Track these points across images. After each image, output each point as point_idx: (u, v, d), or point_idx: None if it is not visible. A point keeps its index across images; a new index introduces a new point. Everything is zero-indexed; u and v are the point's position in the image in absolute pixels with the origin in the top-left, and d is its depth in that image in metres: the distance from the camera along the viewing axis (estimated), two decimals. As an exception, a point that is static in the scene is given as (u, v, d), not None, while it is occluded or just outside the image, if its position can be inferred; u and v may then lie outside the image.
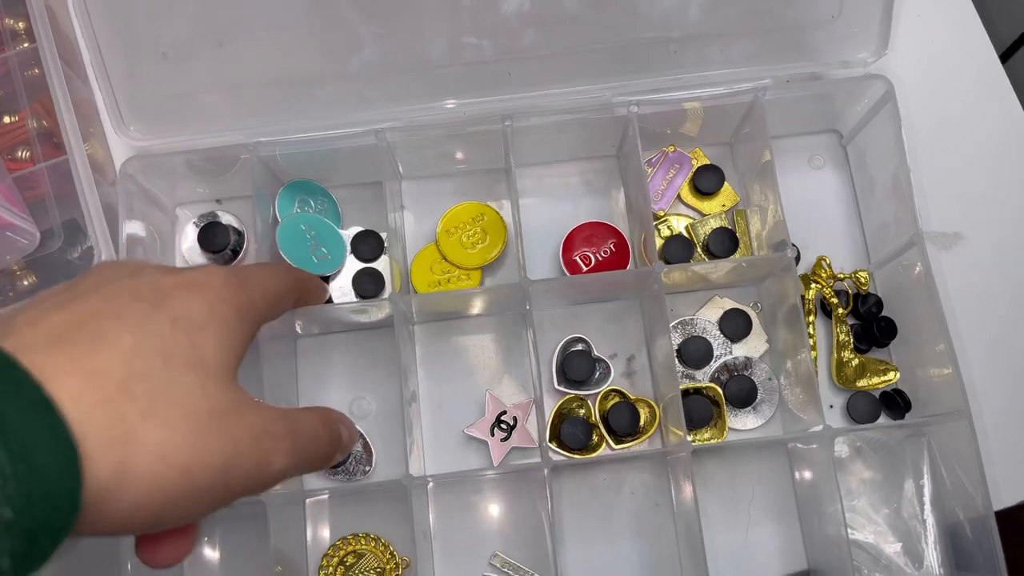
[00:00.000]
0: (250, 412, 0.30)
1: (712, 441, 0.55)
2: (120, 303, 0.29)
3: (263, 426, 0.30)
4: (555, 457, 0.54)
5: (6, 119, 0.58)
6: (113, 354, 0.27)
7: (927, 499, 0.53)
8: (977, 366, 0.57)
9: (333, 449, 0.35)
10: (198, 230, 0.58)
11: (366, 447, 0.56)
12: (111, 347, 0.27)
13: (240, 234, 0.59)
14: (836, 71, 0.57)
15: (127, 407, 0.26)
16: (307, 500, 0.55)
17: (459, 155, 0.59)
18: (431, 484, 0.55)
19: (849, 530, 0.53)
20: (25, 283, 0.56)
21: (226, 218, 0.59)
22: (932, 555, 0.52)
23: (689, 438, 0.51)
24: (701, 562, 0.49)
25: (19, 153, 0.57)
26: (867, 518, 0.54)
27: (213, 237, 0.58)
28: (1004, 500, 0.55)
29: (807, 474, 0.54)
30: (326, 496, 0.55)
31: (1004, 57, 0.73)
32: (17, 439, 0.23)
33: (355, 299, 0.57)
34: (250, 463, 0.29)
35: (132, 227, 0.54)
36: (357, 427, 0.54)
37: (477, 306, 0.57)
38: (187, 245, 0.58)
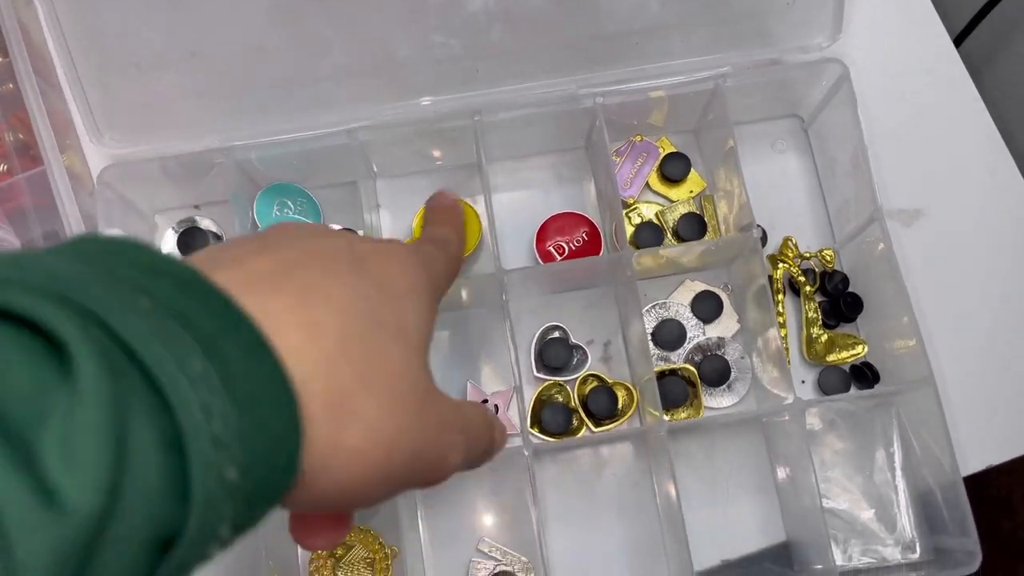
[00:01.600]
0: (438, 399, 0.28)
1: (688, 419, 0.56)
2: (323, 258, 0.26)
3: (446, 416, 0.28)
4: (536, 441, 0.55)
5: (-18, 134, 0.59)
6: (329, 309, 0.24)
7: (898, 466, 0.55)
8: (941, 337, 0.59)
9: (492, 449, 0.33)
10: (177, 236, 0.59)
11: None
12: (326, 301, 0.24)
13: (219, 239, 0.60)
14: (793, 56, 0.59)
15: (346, 371, 0.24)
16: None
17: (433, 153, 0.60)
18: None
19: (824, 500, 0.54)
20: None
21: (205, 223, 0.60)
22: (905, 519, 0.54)
23: (665, 417, 0.52)
24: (682, 537, 0.50)
25: (-3, 167, 0.58)
26: (841, 487, 0.55)
27: (192, 242, 0.59)
28: (972, 466, 0.57)
29: (782, 447, 0.55)
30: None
31: (958, 40, 0.75)
32: (243, 388, 0.21)
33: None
34: (435, 454, 0.27)
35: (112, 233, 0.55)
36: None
37: (455, 298, 0.58)
38: (166, 251, 0.59)
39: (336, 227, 0.60)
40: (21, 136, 0.59)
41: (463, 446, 0.29)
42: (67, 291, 0.19)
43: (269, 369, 0.22)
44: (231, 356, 0.21)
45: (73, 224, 0.54)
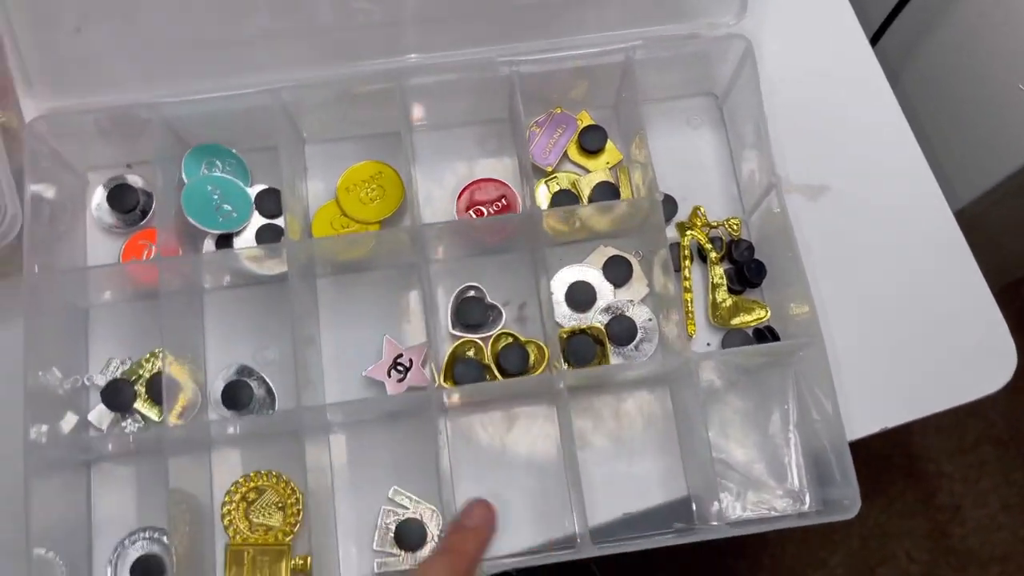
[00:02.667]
0: None
1: (592, 368, 0.58)
2: None
3: None
4: (448, 389, 0.57)
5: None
6: None
7: (792, 424, 0.57)
8: (835, 306, 0.61)
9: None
10: (107, 192, 0.61)
11: (269, 392, 0.59)
12: None
13: (149, 196, 0.62)
14: (703, 32, 0.61)
15: None
16: (212, 445, 0.58)
17: (358, 117, 0.62)
18: (332, 425, 0.57)
19: (720, 454, 0.57)
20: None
21: (135, 180, 0.62)
22: (795, 473, 0.56)
23: (566, 367, 0.54)
24: (577, 485, 0.52)
25: (-68, 120, 0.60)
26: (738, 443, 0.58)
27: (122, 198, 0.61)
28: (857, 432, 0.59)
29: (682, 402, 0.57)
30: (232, 436, 0.58)
31: (867, 24, 0.78)
32: None
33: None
34: None
35: (39, 186, 0.56)
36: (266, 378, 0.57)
37: (375, 252, 0.60)
38: (96, 203, 0.61)
39: (261, 187, 0.62)
40: (-43, 91, 0.60)
41: None
42: None
43: None
44: None
45: (1, 175, 0.55)
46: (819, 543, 1.47)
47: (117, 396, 0.57)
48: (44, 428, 0.53)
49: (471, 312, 0.60)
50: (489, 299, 0.61)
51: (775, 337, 0.59)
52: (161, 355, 0.54)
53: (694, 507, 0.57)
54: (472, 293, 0.61)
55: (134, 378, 0.58)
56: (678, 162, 0.64)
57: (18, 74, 0.57)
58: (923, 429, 1.52)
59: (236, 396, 0.57)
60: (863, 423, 0.59)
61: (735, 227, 0.62)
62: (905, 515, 1.48)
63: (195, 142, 0.62)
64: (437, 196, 0.64)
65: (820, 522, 0.53)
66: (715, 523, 0.52)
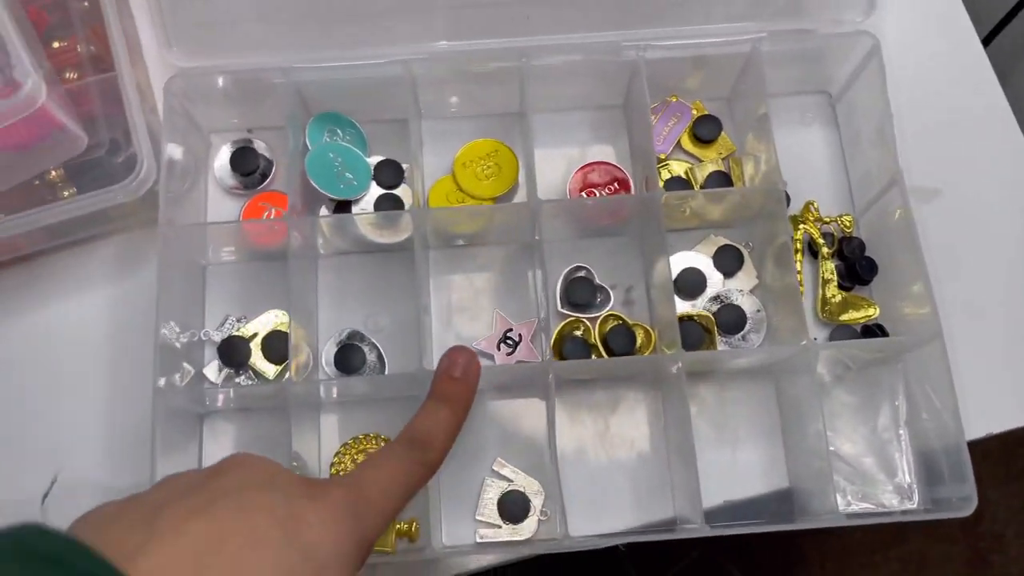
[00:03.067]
0: None
1: (703, 350, 0.58)
2: (257, 523, 0.31)
3: None
4: (558, 365, 0.57)
5: (55, 44, 0.63)
6: None
7: (902, 420, 0.57)
8: (947, 310, 0.61)
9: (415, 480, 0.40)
10: (231, 153, 0.62)
11: (379, 358, 0.59)
12: None
13: (269, 160, 0.64)
14: (828, 29, 0.62)
15: None
16: (321, 407, 0.59)
17: (474, 94, 0.63)
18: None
19: (829, 447, 0.57)
20: (65, 194, 0.60)
21: (259, 145, 0.64)
22: (905, 470, 0.56)
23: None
24: (692, 467, 0.52)
25: (67, 74, 0.62)
26: (845, 436, 0.58)
27: (245, 160, 0.62)
28: (972, 432, 0.59)
29: (793, 392, 0.57)
30: (339, 399, 0.59)
31: (984, 32, 0.78)
32: None
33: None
34: None
35: (173, 144, 0.58)
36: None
37: (489, 228, 0.61)
38: (219, 164, 0.63)
39: (378, 158, 0.63)
40: (93, 48, 0.62)
41: None
42: None
43: None
44: None
45: (138, 125, 0.56)
46: (859, 564, 1.46)
47: (233, 352, 0.58)
48: (166, 379, 0.54)
49: (580, 292, 0.60)
50: (597, 280, 0.62)
51: (884, 334, 0.59)
52: (283, 314, 0.55)
53: (796, 500, 0.57)
54: (582, 274, 0.62)
55: (249, 336, 0.59)
56: (787, 158, 0.64)
57: (156, 34, 0.59)
58: (970, 455, 1.51)
59: (349, 360, 0.58)
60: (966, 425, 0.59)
61: (848, 224, 0.62)
62: (946, 540, 1.47)
63: (317, 110, 0.63)
64: (549, 178, 0.64)
65: (930, 519, 0.53)
66: (828, 514, 0.52)
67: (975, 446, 0.56)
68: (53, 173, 0.59)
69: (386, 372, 0.59)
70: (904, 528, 1.44)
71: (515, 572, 0.65)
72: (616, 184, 0.63)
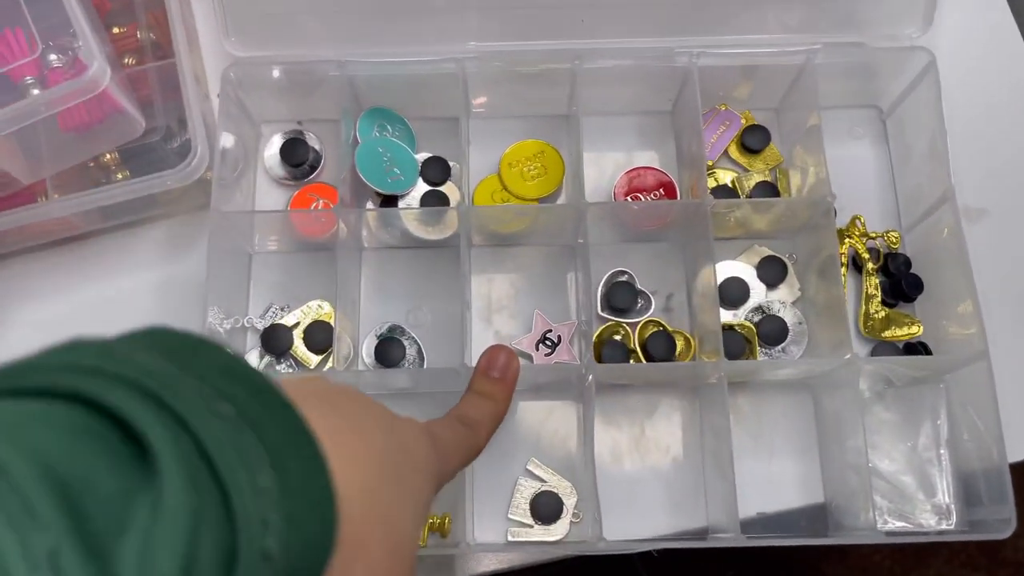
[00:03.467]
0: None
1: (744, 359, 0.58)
2: (369, 413, 0.31)
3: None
4: (599, 368, 0.57)
5: (115, 29, 0.64)
6: (367, 447, 0.29)
7: (943, 440, 0.57)
8: (993, 331, 0.60)
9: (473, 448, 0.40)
10: (282, 143, 0.63)
11: (419, 353, 0.60)
12: (365, 440, 0.29)
13: (318, 153, 0.64)
14: (882, 44, 0.61)
15: (374, 508, 0.27)
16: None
17: (522, 94, 0.64)
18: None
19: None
20: (119, 176, 0.61)
21: (309, 137, 0.64)
22: (944, 489, 0.56)
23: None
24: (731, 483, 0.52)
25: (126, 60, 0.63)
26: (884, 453, 0.57)
27: (295, 151, 0.63)
28: (1014, 455, 0.58)
29: (832, 406, 0.57)
30: (379, 394, 0.59)
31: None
32: (297, 503, 0.23)
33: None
34: None
35: (227, 133, 0.59)
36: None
37: (533, 228, 0.61)
38: (269, 153, 0.63)
39: (425, 154, 0.63)
40: (153, 35, 0.63)
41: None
42: (158, 391, 0.21)
43: (322, 485, 0.24)
44: (292, 469, 0.23)
45: (195, 110, 0.57)
46: (878, 587, 1.44)
47: (275, 340, 0.59)
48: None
49: (621, 296, 0.60)
50: (639, 285, 0.62)
51: (927, 352, 0.59)
52: (326, 305, 0.55)
53: (831, 516, 0.57)
54: (623, 278, 0.62)
55: (291, 325, 0.60)
56: (835, 171, 0.63)
57: (216, 22, 0.60)
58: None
59: (389, 353, 0.59)
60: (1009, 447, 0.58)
61: (894, 240, 0.61)
62: (968, 566, 1.45)
63: (367, 104, 0.64)
64: (594, 182, 0.64)
65: (968, 539, 0.53)
66: (866, 530, 0.51)
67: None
68: (108, 156, 0.61)
69: (426, 367, 0.60)
70: (926, 554, 1.42)
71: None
72: (662, 189, 0.63)
